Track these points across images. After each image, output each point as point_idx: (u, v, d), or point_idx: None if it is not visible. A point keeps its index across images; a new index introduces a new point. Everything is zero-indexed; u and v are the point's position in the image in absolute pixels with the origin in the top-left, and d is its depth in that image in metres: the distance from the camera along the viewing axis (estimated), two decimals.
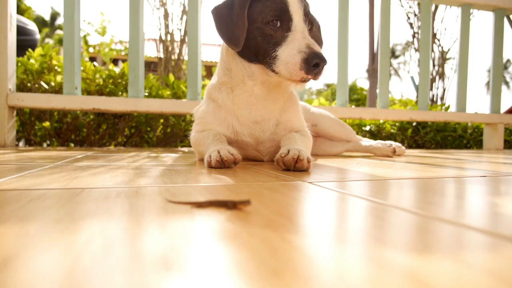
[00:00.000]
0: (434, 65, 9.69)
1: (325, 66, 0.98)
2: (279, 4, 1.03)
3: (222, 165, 0.97)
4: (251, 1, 1.06)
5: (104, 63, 8.88)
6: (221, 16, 1.11)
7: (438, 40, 9.72)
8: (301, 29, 1.01)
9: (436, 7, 9.31)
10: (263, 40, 1.05)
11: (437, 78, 9.74)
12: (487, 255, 0.31)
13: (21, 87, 2.38)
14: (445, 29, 9.96)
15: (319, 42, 1.19)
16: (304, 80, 1.00)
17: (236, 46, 1.08)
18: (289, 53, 0.99)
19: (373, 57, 12.45)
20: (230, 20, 1.08)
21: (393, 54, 21.09)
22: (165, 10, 5.81)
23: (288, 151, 0.96)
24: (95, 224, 0.38)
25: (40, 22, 18.31)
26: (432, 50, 9.81)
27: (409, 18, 9.92)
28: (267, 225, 0.39)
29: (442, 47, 9.80)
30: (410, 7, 9.72)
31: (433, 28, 9.58)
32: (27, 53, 2.47)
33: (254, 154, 1.26)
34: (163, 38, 5.86)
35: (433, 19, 9.63)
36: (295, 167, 0.93)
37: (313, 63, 0.95)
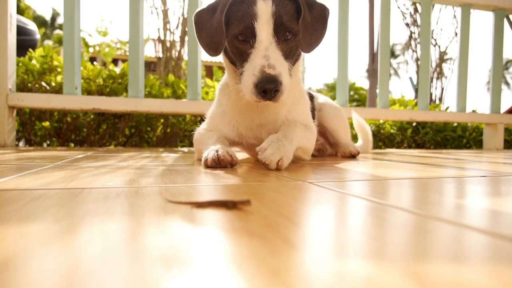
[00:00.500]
0: (431, 66, 9.74)
1: (279, 90, 0.93)
2: (246, 18, 0.97)
3: (218, 164, 0.96)
4: (229, 7, 1.01)
5: (104, 63, 8.89)
6: (202, 21, 1.07)
7: (435, 40, 9.75)
8: (264, 46, 0.96)
9: (432, 7, 9.37)
10: (235, 53, 1.03)
11: (434, 78, 9.77)
12: (487, 255, 0.31)
13: (22, 88, 2.38)
14: (441, 29, 10.00)
15: (312, 38, 1.07)
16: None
17: (215, 52, 1.04)
18: (248, 73, 0.96)
19: (373, 57, 12.46)
20: (211, 25, 1.04)
21: (393, 54, 21.09)
22: (165, 10, 5.81)
23: (265, 149, 0.97)
24: (95, 224, 0.38)
25: (40, 22, 18.31)
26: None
27: (405, 18, 9.95)
28: (267, 225, 0.39)
29: (439, 47, 9.83)
30: (407, 9, 9.75)
31: None
32: (28, 53, 2.47)
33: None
34: (163, 38, 5.87)
35: None
36: (267, 168, 0.95)
37: (262, 89, 0.91)
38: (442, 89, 9.99)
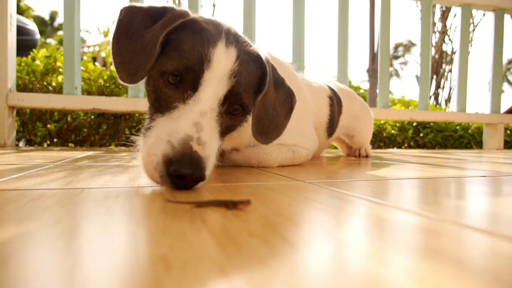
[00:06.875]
0: (442, 64, 9.77)
1: (200, 181, 0.59)
2: (193, 57, 0.66)
3: None
4: (177, 27, 0.70)
5: (104, 63, 8.89)
6: (131, 24, 0.72)
7: (450, 39, 9.79)
8: (201, 109, 0.64)
9: (450, 8, 9.44)
10: (153, 92, 0.70)
11: (443, 78, 9.81)
12: (487, 256, 0.31)
13: (23, 88, 2.38)
14: (456, 27, 10.05)
15: (271, 125, 0.81)
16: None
17: (130, 78, 0.69)
18: (160, 132, 0.62)
19: (373, 57, 12.47)
20: (140, 37, 0.70)
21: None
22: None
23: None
24: (95, 224, 0.38)
25: (40, 22, 18.31)
26: (443, 50, 9.88)
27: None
28: (267, 225, 0.39)
29: (452, 44, 9.89)
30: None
31: (445, 26, 9.66)
32: (31, 53, 2.47)
33: None
34: None
35: (446, 18, 9.71)
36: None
37: (176, 173, 0.56)
38: (450, 89, 10.02)
